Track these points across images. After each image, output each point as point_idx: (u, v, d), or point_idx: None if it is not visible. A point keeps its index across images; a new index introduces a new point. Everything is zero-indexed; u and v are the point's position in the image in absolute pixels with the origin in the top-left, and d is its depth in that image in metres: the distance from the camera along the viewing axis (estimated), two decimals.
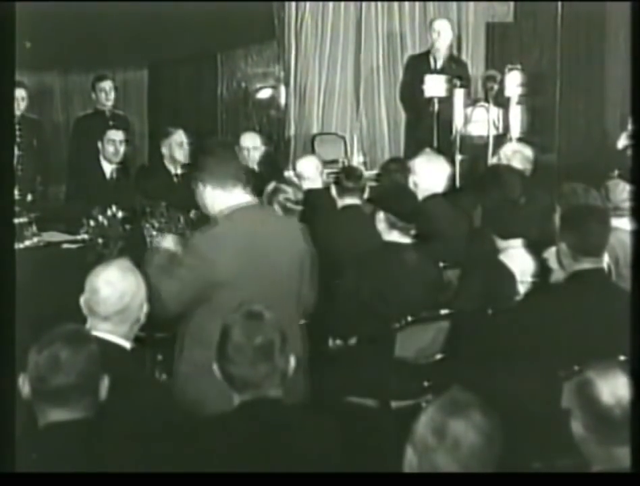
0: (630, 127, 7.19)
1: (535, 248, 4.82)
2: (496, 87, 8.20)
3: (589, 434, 2.61)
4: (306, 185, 6.34)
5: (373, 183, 6.60)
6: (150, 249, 4.57)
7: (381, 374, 4.51)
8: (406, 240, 4.76)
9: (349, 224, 5.58)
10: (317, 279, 4.19)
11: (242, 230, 3.89)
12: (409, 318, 4.47)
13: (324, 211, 5.90)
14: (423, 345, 4.61)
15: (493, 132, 8.08)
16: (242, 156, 7.24)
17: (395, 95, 9.52)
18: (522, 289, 4.70)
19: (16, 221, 5.27)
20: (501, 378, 3.96)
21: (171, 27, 8.70)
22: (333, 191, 6.01)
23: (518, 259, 4.76)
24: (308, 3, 9.95)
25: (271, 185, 5.37)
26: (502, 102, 8.39)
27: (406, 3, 10.22)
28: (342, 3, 10.05)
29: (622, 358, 3.21)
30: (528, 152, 6.60)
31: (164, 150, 7.32)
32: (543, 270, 4.73)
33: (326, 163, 7.25)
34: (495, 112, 8.20)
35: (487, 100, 8.23)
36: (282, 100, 9.97)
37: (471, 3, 10.34)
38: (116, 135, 7.34)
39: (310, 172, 6.57)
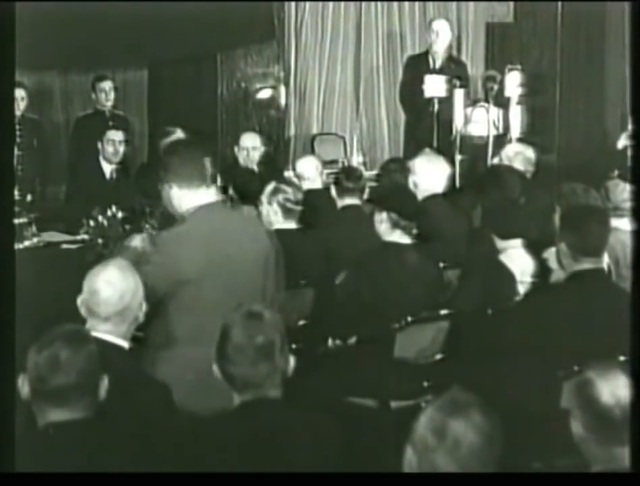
0: (630, 127, 7.18)
1: (535, 248, 4.82)
2: (496, 87, 8.20)
3: (589, 434, 2.62)
4: (306, 185, 6.34)
5: (373, 184, 6.61)
6: (120, 248, 4.64)
7: (380, 375, 4.51)
8: (406, 240, 4.76)
9: (349, 224, 5.58)
10: (283, 275, 4.24)
11: (207, 228, 3.95)
12: (409, 319, 4.47)
13: (324, 211, 5.90)
14: (423, 345, 4.61)
15: (493, 132, 8.09)
16: (242, 156, 7.25)
17: (395, 95, 9.52)
18: (521, 289, 4.70)
19: (16, 221, 5.26)
20: (501, 378, 3.96)
21: (171, 27, 8.70)
22: (333, 191, 6.01)
23: (517, 259, 4.76)
24: (308, 3, 9.95)
25: (270, 186, 5.36)
26: (502, 102, 8.39)
27: (406, 3, 10.22)
28: (342, 3, 10.05)
29: (621, 358, 3.22)
30: (530, 153, 6.60)
31: None
32: (542, 270, 4.73)
33: (326, 163, 7.26)
34: (495, 112, 8.21)
35: (487, 101, 8.24)
36: (282, 100, 9.97)
37: (471, 3, 10.35)
38: (116, 135, 7.34)
39: (310, 172, 6.57)
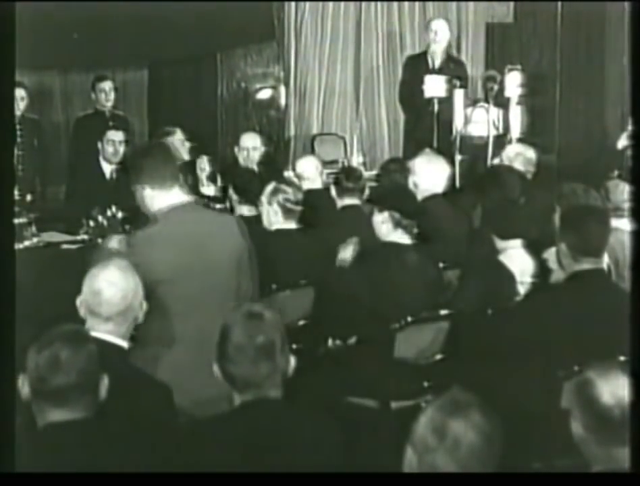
0: (630, 127, 7.18)
1: (535, 248, 4.81)
2: (496, 87, 8.20)
3: (589, 434, 2.61)
4: (306, 185, 6.34)
5: (373, 184, 6.61)
6: (95, 249, 4.71)
7: (380, 375, 4.50)
8: (407, 240, 4.76)
9: (349, 224, 5.58)
10: (257, 274, 4.28)
11: (179, 228, 4.00)
12: (409, 319, 4.47)
13: (324, 212, 5.90)
14: (423, 345, 4.61)
15: (493, 133, 8.08)
16: (242, 156, 7.25)
17: (395, 95, 9.51)
18: (521, 289, 4.70)
19: (16, 221, 5.27)
20: (501, 378, 3.96)
21: (170, 27, 8.71)
22: (333, 191, 6.02)
23: (517, 259, 4.76)
24: (307, 3, 9.95)
25: (270, 186, 5.36)
26: (502, 102, 8.39)
27: (406, 3, 10.22)
28: (342, 3, 10.05)
29: (621, 358, 3.22)
30: (530, 153, 6.60)
31: None
32: (542, 270, 4.73)
33: (326, 164, 7.26)
34: (495, 112, 8.20)
35: (487, 101, 8.23)
36: (282, 101, 9.97)
37: (471, 4, 10.34)
38: (116, 135, 7.33)
39: (310, 172, 6.57)
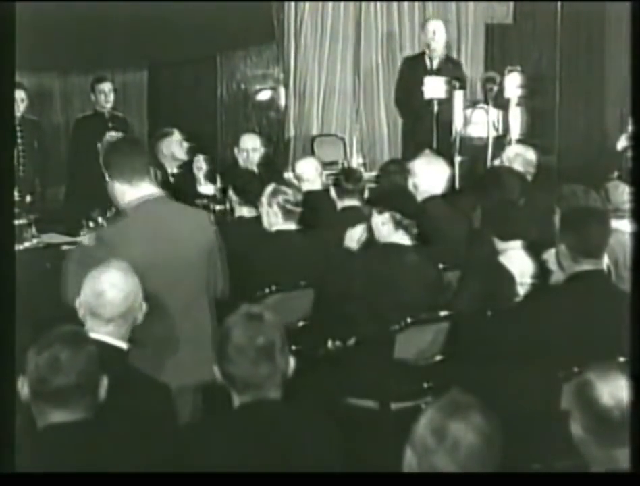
0: (630, 128, 7.18)
1: (535, 249, 4.82)
2: (496, 88, 8.20)
3: (589, 435, 2.61)
4: (306, 186, 6.34)
5: (373, 185, 6.61)
6: (72, 247, 4.78)
7: (380, 376, 4.51)
8: (406, 241, 4.76)
9: (348, 225, 5.58)
10: (227, 268, 4.28)
11: (149, 221, 4.02)
12: (409, 320, 4.47)
13: (323, 213, 5.91)
14: (423, 346, 4.61)
15: (492, 134, 8.08)
16: (242, 157, 7.25)
17: None
18: (521, 290, 4.70)
19: (16, 222, 5.26)
20: (501, 379, 3.96)
21: (170, 28, 8.70)
22: (333, 192, 6.02)
23: (517, 260, 4.76)
24: (307, 4, 9.94)
25: (270, 187, 5.36)
26: (502, 103, 8.39)
27: (406, 4, 10.21)
28: (341, 4, 10.05)
29: (621, 359, 3.22)
30: (530, 155, 6.60)
31: (164, 150, 7.30)
32: (542, 271, 4.73)
33: (325, 165, 7.26)
34: (494, 113, 8.20)
35: (486, 102, 8.23)
36: (282, 102, 9.97)
37: (470, 4, 10.34)
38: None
39: (309, 174, 6.57)
